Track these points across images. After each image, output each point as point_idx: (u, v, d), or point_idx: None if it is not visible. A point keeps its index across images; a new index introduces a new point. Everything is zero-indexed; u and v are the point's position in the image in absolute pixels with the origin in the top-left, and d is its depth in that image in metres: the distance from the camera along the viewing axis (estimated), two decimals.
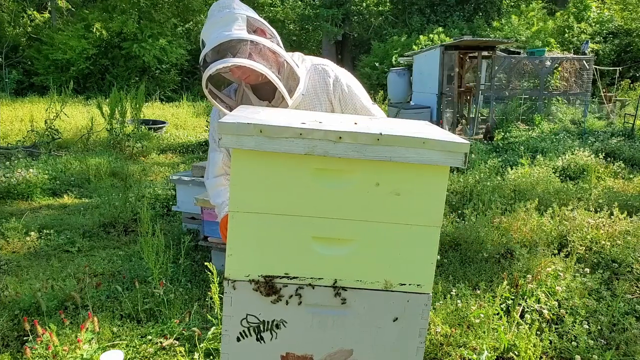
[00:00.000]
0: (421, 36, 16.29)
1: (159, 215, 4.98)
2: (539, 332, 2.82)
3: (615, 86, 16.15)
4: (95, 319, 2.58)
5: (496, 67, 11.14)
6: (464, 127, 10.79)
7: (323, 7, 20.12)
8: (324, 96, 1.81)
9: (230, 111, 1.67)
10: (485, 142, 9.35)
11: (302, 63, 1.81)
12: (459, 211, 4.93)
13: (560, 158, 6.92)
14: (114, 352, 2.29)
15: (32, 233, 4.31)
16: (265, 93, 1.78)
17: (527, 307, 3.08)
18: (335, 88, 1.81)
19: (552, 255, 3.80)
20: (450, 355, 2.68)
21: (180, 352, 2.59)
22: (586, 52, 13.33)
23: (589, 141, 8.60)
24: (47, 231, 4.41)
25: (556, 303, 3.12)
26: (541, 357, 2.70)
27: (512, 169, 6.36)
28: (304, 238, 1.35)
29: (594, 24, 17.93)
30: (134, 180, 6.45)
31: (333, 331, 1.42)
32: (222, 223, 1.88)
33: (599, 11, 18.50)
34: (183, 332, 2.79)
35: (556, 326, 2.96)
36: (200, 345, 2.57)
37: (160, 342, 2.68)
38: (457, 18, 19.05)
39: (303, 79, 1.76)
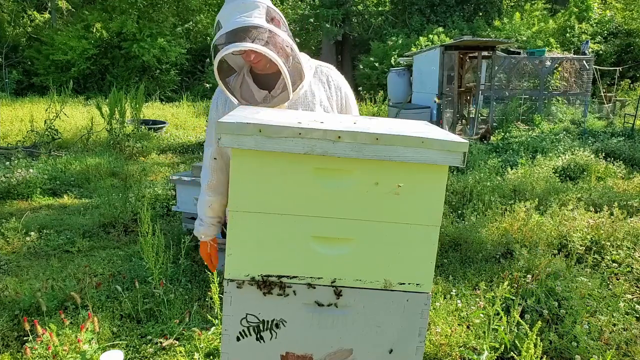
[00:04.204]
0: (421, 37, 16.30)
1: (159, 215, 4.98)
2: (539, 332, 2.81)
3: (615, 86, 16.15)
4: (95, 319, 2.58)
5: (496, 67, 11.14)
6: (463, 127, 10.80)
7: (323, 7, 20.10)
8: (323, 98, 1.85)
9: (234, 95, 1.74)
10: (484, 142, 9.35)
11: (307, 62, 1.85)
12: (459, 211, 4.93)
13: (560, 158, 6.92)
14: (114, 352, 2.28)
15: (32, 233, 4.31)
16: (266, 82, 1.80)
17: (527, 307, 3.07)
18: (334, 93, 1.87)
19: (552, 255, 3.80)
20: (450, 355, 2.68)
21: (180, 352, 2.59)
22: (586, 52, 13.33)
23: (589, 141, 8.59)
24: (47, 231, 4.41)
25: (556, 303, 3.12)
26: (541, 357, 2.70)
27: (512, 169, 6.36)
28: (304, 237, 1.35)
29: (595, 24, 17.92)
30: (134, 180, 6.45)
31: (333, 331, 1.41)
32: (201, 249, 2.00)
33: (600, 11, 18.50)
34: (183, 332, 2.79)
35: (556, 326, 2.96)
36: (200, 345, 2.57)
37: (160, 342, 2.68)
38: (457, 18, 19.04)
39: (308, 76, 1.80)
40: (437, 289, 3.31)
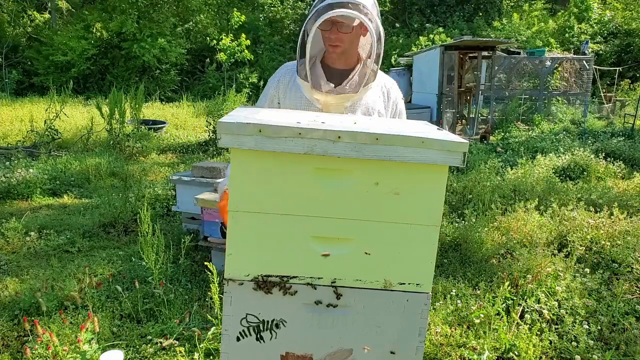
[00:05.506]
0: (421, 37, 16.31)
1: (159, 215, 4.98)
2: (539, 332, 2.82)
3: (615, 86, 16.16)
4: (95, 319, 2.58)
5: (496, 67, 11.14)
6: (464, 127, 10.80)
7: None
8: (381, 109, 1.88)
9: (307, 76, 1.73)
10: (484, 142, 9.35)
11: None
12: (459, 211, 4.93)
13: (560, 158, 6.92)
14: (114, 352, 2.28)
15: (32, 233, 4.31)
16: (330, 77, 1.80)
17: (527, 307, 3.08)
18: (390, 107, 1.91)
19: (552, 255, 3.80)
20: (450, 355, 2.68)
21: (180, 352, 2.59)
22: (586, 52, 13.34)
23: (589, 141, 8.59)
24: (47, 231, 4.41)
25: (556, 303, 3.12)
26: (541, 357, 2.70)
27: (512, 169, 6.36)
28: (304, 237, 1.35)
29: (594, 24, 17.93)
30: (134, 180, 6.45)
31: (333, 331, 1.41)
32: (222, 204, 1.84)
33: (600, 12, 18.52)
34: (183, 332, 2.79)
35: (556, 326, 2.96)
36: (200, 345, 2.57)
37: (160, 342, 2.68)
38: (457, 18, 19.06)
39: (377, 81, 1.83)
40: (437, 289, 3.31)
